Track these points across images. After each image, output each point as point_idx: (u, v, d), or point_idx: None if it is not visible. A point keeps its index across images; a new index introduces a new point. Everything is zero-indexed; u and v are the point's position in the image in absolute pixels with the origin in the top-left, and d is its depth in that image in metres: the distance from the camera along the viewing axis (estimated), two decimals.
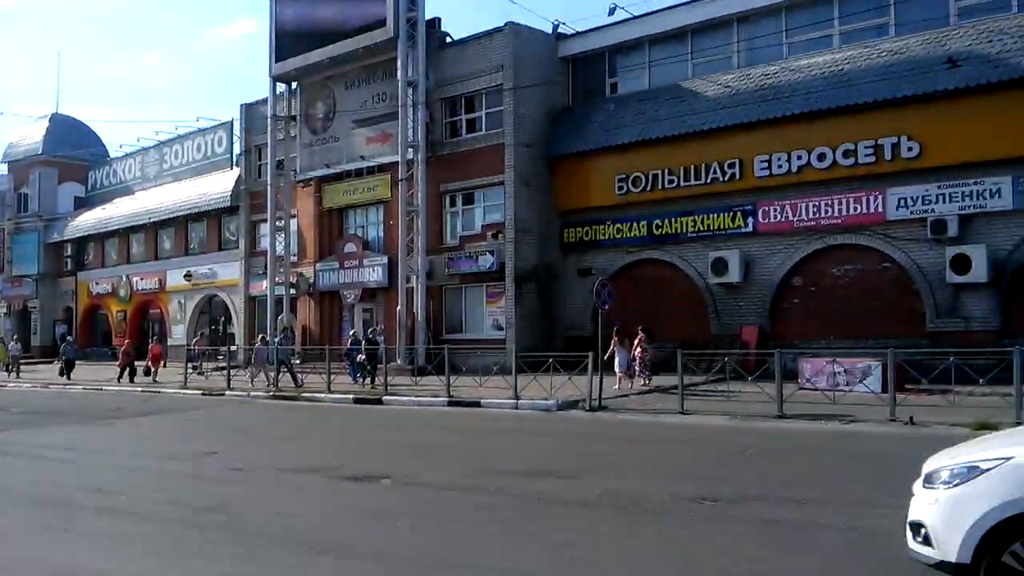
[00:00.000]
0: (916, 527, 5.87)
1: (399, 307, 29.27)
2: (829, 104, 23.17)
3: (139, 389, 28.22)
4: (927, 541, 5.74)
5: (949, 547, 5.51)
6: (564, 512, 9.09)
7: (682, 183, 26.03)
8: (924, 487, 5.94)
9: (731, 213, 25.25)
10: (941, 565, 5.63)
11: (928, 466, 6.08)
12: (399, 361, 27.61)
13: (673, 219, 26.41)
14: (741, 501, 9.20)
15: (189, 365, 29.44)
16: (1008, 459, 5.53)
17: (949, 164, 21.58)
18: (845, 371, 18.69)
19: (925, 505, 5.83)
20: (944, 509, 5.64)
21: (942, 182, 21.75)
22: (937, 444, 12.80)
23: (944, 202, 21.69)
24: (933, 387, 16.47)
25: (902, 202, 22.34)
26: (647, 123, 26.76)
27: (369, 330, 27.72)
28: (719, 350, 22.49)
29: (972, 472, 5.63)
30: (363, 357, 25.44)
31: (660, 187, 26.47)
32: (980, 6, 22.28)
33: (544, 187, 28.87)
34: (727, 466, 11.50)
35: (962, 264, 20.91)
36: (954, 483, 5.69)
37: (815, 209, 23.74)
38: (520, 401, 19.44)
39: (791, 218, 24.16)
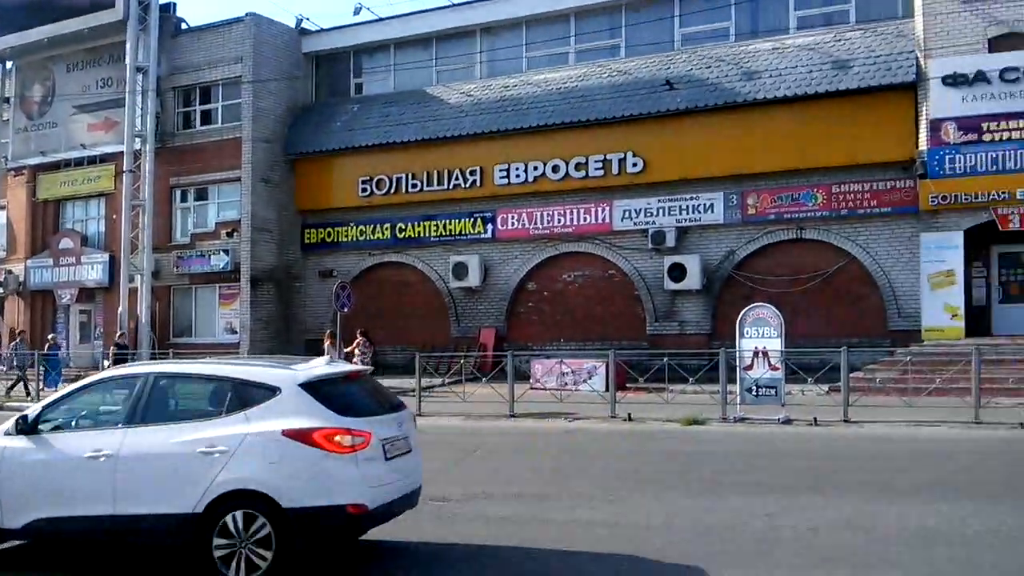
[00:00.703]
0: None
1: (120, 309, 27.25)
2: (563, 119, 24.22)
3: None
4: None
5: None
6: None
7: (425, 188, 26.22)
8: None
9: (472, 219, 25.75)
10: None
11: None
12: None
13: (416, 223, 26.55)
14: (468, 500, 9.33)
15: None
16: None
17: (669, 180, 23.22)
18: (572, 371, 19.62)
19: None
20: None
21: (662, 196, 23.38)
22: (651, 438, 13.78)
23: (664, 215, 23.33)
24: (650, 386, 17.66)
25: (627, 214, 23.79)
26: (392, 126, 26.71)
27: (119, 335, 25.56)
28: (458, 352, 22.90)
29: None
30: (109, 364, 23.43)
31: (404, 191, 26.50)
32: (701, 34, 24.15)
33: (284, 185, 28.03)
34: (458, 466, 11.64)
35: (678, 272, 22.58)
36: None
37: (549, 218, 24.73)
38: None
39: (527, 226, 25.02)
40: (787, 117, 21.93)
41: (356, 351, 21.97)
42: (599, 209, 24.10)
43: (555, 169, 24.42)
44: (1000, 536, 7.38)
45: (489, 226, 25.54)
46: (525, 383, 19.04)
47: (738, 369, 15.43)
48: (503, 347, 23.22)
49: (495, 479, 10.56)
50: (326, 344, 20.90)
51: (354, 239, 27.46)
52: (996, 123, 19.30)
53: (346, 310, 19.70)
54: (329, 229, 27.86)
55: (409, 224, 26.63)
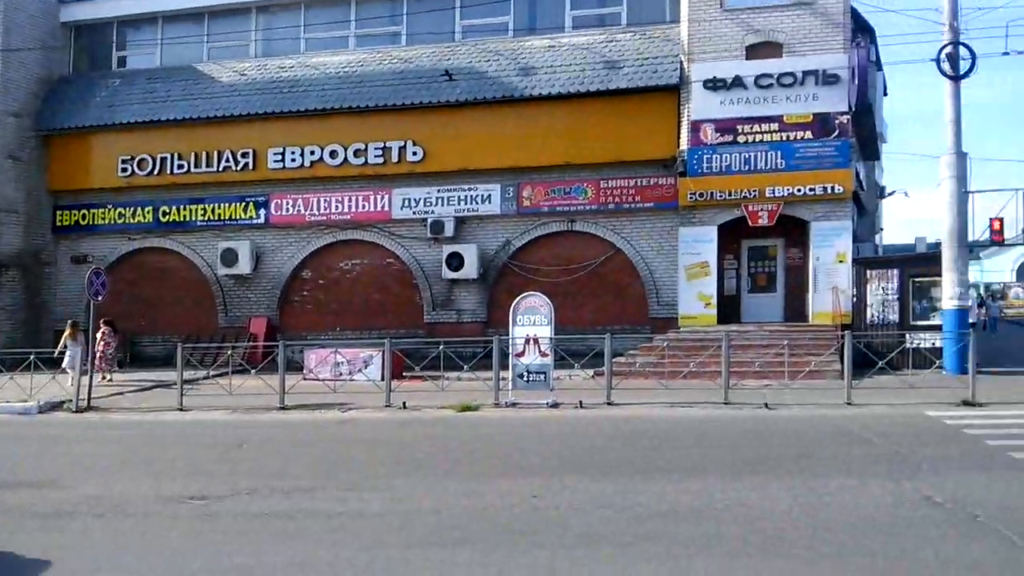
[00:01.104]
0: None
1: None
2: (342, 104, 23.73)
3: None
4: None
5: None
6: (34, 525, 8.04)
7: (193, 169, 24.89)
8: None
9: (243, 203, 24.74)
10: None
11: None
12: None
13: (182, 206, 25.17)
14: (231, 496, 8.93)
15: None
16: None
17: (449, 170, 23.35)
18: (348, 361, 19.30)
19: None
20: None
21: (442, 186, 23.47)
22: (425, 426, 13.81)
23: (443, 205, 23.45)
24: (427, 374, 17.71)
25: (406, 202, 23.71)
26: (157, 103, 25.16)
27: None
28: (225, 343, 21.97)
29: None
30: None
31: (169, 172, 25.04)
32: (481, 27, 24.36)
33: (35, 164, 25.73)
34: (221, 462, 11.11)
35: (456, 262, 22.78)
36: None
37: (327, 204, 24.22)
38: None
39: (303, 212, 24.37)
40: (561, 113, 22.62)
41: (100, 343, 20.54)
42: (378, 197, 23.87)
43: (333, 155, 23.93)
44: (744, 510, 7.92)
45: (262, 211, 24.65)
46: (298, 374, 18.56)
47: (510, 356, 15.76)
48: (276, 337, 22.49)
49: (262, 473, 10.17)
50: (65, 334, 19.47)
51: (112, 222, 25.67)
52: (749, 126, 20.84)
53: (100, 298, 18.27)
54: (84, 211, 25.89)
55: (174, 207, 25.22)
